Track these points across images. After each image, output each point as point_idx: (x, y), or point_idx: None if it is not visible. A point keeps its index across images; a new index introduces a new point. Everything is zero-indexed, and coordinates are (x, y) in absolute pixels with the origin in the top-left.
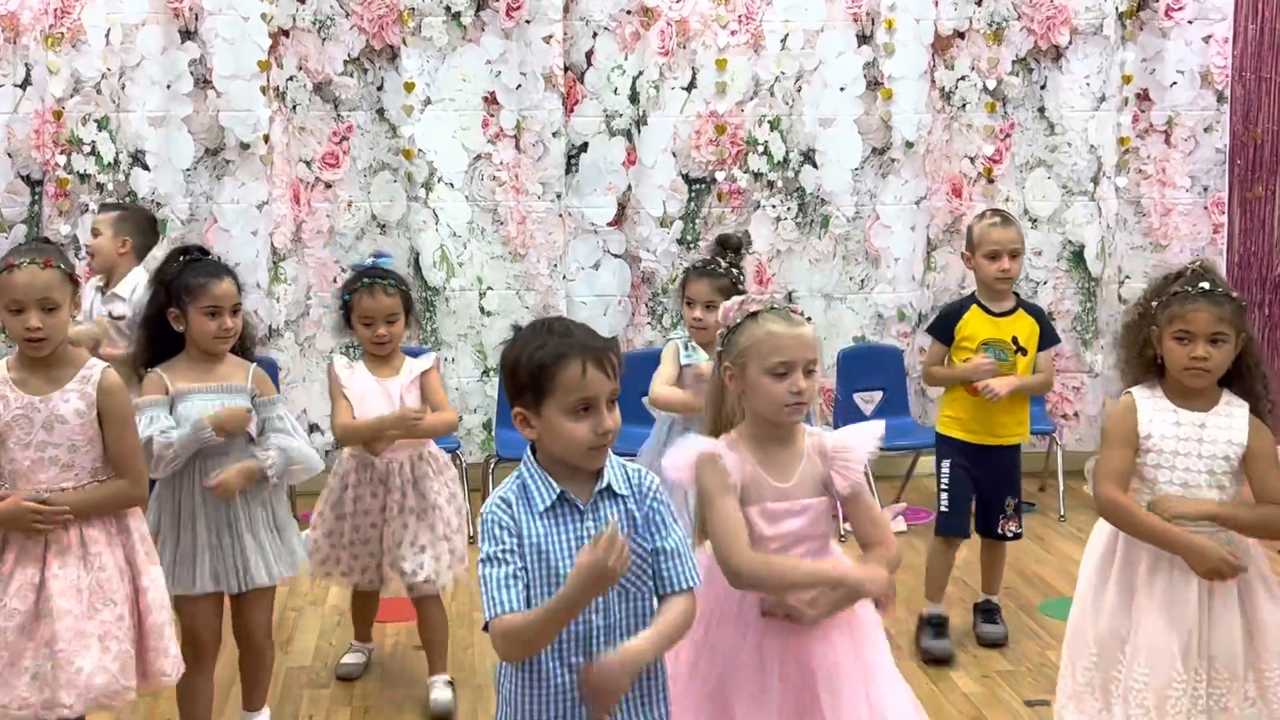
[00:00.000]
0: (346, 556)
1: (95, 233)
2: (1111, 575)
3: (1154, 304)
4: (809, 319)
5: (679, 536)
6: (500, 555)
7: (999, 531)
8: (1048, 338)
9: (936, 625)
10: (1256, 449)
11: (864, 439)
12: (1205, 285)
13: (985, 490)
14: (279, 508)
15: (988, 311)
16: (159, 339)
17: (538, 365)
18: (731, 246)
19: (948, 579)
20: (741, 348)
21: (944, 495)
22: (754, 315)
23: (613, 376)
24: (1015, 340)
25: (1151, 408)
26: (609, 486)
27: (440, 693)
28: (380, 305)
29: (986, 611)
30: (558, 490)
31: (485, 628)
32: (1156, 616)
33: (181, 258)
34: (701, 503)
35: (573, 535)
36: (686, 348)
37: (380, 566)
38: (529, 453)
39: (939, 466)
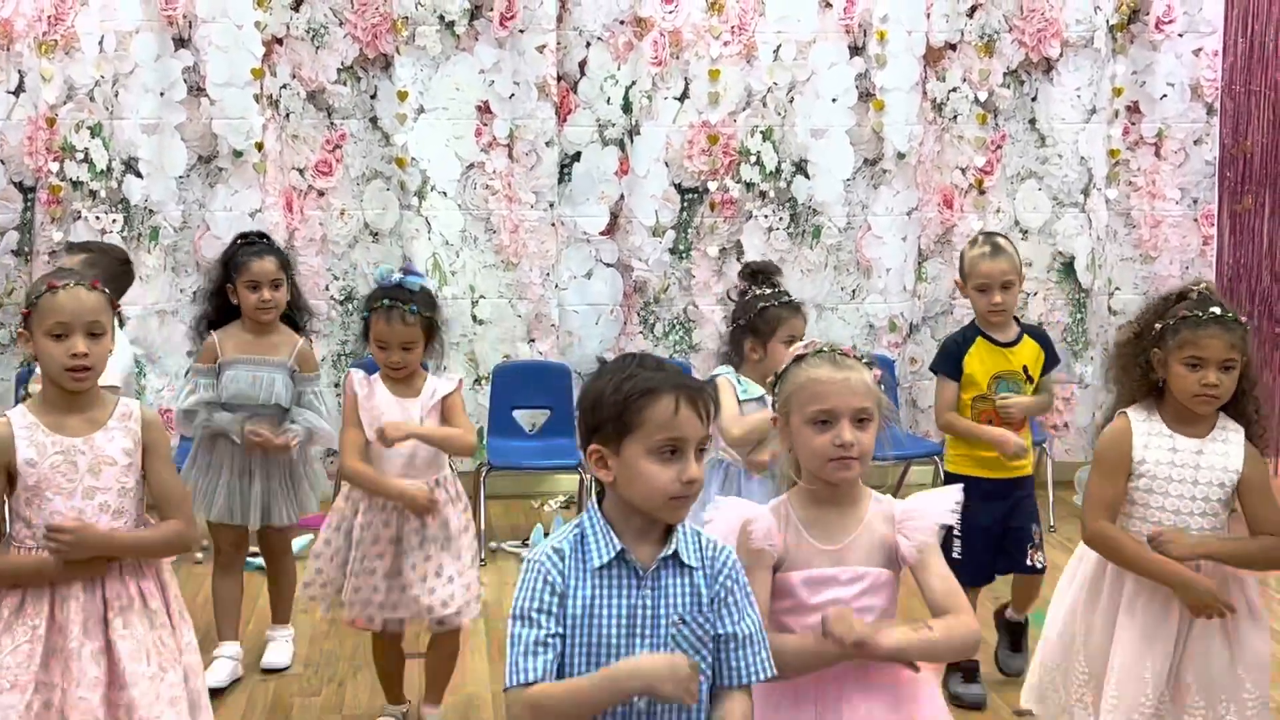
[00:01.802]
0: (349, 587)
1: None
2: (1103, 594)
3: (1157, 326)
4: (869, 363)
5: (753, 622)
6: (534, 615)
7: (1029, 564)
8: (1051, 360)
9: (967, 670)
10: (1252, 479)
11: (938, 505)
12: (1216, 310)
13: (1010, 523)
14: (297, 459)
15: (994, 342)
16: (223, 310)
17: (625, 397)
18: (772, 271)
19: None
20: (785, 395)
21: (957, 542)
22: (800, 359)
23: (705, 421)
24: (1025, 370)
25: (1146, 432)
26: (676, 554)
27: None
28: (395, 333)
29: (1013, 632)
30: (618, 547)
31: (506, 690)
32: (1134, 639)
33: (239, 241)
34: None
35: (625, 602)
36: (739, 381)
37: (383, 605)
38: (593, 502)
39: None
